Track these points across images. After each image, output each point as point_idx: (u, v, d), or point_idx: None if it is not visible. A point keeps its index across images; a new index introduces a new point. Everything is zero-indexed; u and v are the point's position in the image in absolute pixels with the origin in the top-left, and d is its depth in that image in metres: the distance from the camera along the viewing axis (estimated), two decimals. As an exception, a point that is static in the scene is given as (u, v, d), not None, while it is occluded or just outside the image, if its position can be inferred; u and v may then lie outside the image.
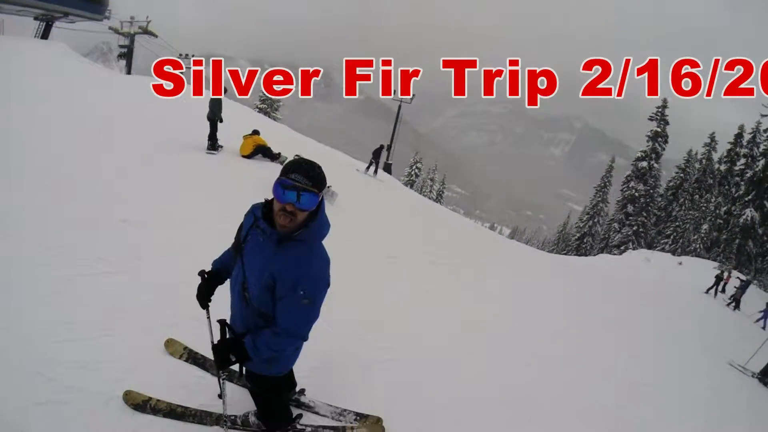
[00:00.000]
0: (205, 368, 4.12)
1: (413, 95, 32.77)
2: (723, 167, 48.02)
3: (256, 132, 13.38)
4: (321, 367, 4.38)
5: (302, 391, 4.13)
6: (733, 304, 23.43)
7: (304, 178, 2.42)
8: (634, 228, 48.95)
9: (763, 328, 21.40)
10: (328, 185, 11.44)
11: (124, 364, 3.83)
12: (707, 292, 25.11)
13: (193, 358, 4.19)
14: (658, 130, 48.28)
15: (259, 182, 11.01)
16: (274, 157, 13.36)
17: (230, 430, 3.53)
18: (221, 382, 3.17)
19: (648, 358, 9.04)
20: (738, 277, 26.10)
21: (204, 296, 3.08)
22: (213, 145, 12.58)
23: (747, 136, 46.13)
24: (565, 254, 51.67)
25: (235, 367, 2.88)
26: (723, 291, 25.63)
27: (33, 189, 6.45)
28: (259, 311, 2.72)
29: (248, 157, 12.94)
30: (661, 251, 43.78)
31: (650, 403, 6.74)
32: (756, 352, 11.69)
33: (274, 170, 11.78)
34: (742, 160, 45.10)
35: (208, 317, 3.15)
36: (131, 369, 3.81)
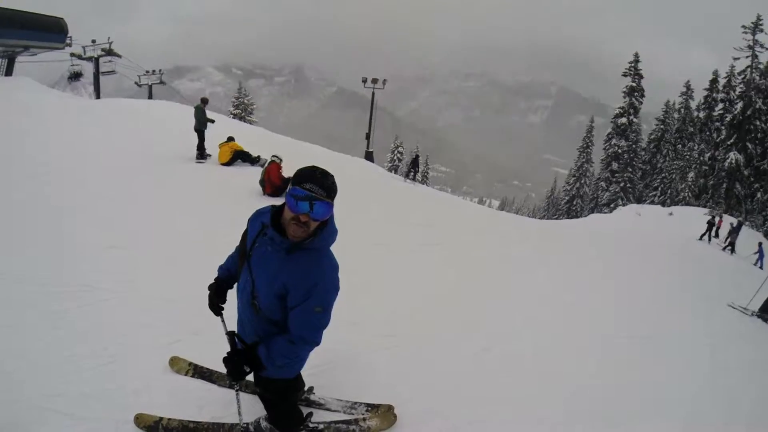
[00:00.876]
0: (212, 381, 4.07)
1: (385, 80, 32.63)
2: (702, 114, 48.42)
3: (231, 138, 13.30)
4: (323, 363, 4.35)
5: (311, 389, 4.12)
6: (729, 247, 23.69)
7: (318, 188, 2.37)
8: (622, 184, 49.24)
9: (761, 267, 21.68)
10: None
11: (130, 388, 3.81)
12: (701, 238, 25.34)
13: (199, 372, 4.14)
14: (633, 84, 48.48)
15: (242, 189, 10.97)
16: (254, 160, 13.29)
17: None
18: (237, 395, 3.12)
19: (648, 309, 9.02)
20: (731, 223, 26.31)
21: (216, 305, 3.11)
22: (201, 154, 13.15)
23: (722, 81, 46.45)
24: (556, 218, 51.92)
25: (250, 377, 2.84)
26: (716, 236, 25.86)
27: (19, 226, 6.41)
28: (270, 319, 2.72)
29: (227, 164, 12.88)
30: (651, 204, 44.13)
31: (653, 355, 6.73)
32: (757, 291, 11.70)
33: (255, 174, 11.77)
34: (720, 105, 45.44)
35: (223, 321, 3.16)
36: (138, 392, 3.79)
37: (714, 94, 47.27)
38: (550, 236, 16.39)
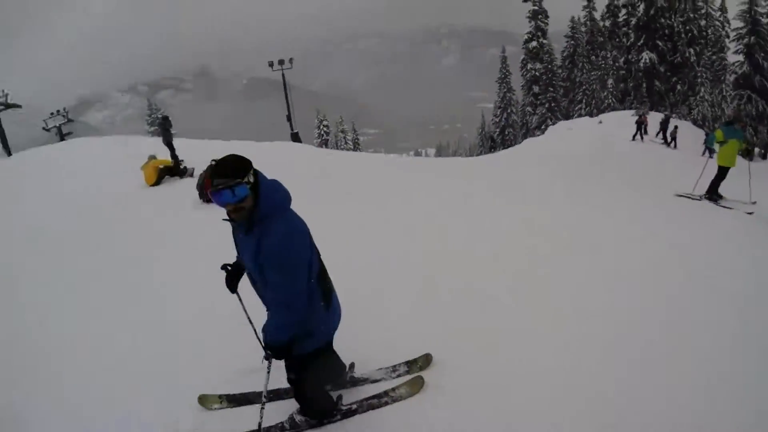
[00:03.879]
0: (249, 401, 4.07)
1: (291, 58, 32.24)
2: (608, 23, 49.51)
3: (152, 157, 12.84)
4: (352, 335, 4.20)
5: (352, 367, 4.22)
6: (667, 141, 24.94)
7: (220, 179, 2.68)
8: (547, 105, 50.11)
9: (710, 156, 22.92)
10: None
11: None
12: (633, 139, 26.27)
13: (231, 401, 4.14)
14: (536, 8, 49.02)
15: (178, 201, 10.67)
16: (182, 173, 12.98)
17: None
18: (267, 374, 3.26)
19: (600, 215, 9.27)
20: (660, 121, 27.35)
21: (232, 283, 3.39)
22: (177, 164, 13.49)
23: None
24: (493, 152, 52.68)
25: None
26: (646, 133, 26.82)
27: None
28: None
29: (156, 184, 12.46)
30: (579, 117, 45.12)
31: (615, 258, 6.80)
32: (700, 177, 11.96)
33: (188, 185, 11.41)
34: (623, 11, 46.48)
35: (240, 300, 3.51)
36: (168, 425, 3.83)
37: (615, 1, 48.28)
38: (488, 171, 16.55)
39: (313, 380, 3.46)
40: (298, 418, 3.63)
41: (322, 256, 3.27)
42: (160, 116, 14.76)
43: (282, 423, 3.67)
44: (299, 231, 2.97)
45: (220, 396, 4.16)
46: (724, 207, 10.93)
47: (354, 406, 3.82)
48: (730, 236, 8.18)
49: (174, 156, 13.73)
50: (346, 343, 3.84)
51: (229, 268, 3.38)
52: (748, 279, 5.99)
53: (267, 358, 3.10)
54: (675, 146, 25.28)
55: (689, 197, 11.66)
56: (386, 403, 3.90)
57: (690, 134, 27.26)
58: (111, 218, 9.84)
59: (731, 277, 6.07)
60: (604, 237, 7.69)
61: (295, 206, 3.05)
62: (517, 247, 7.23)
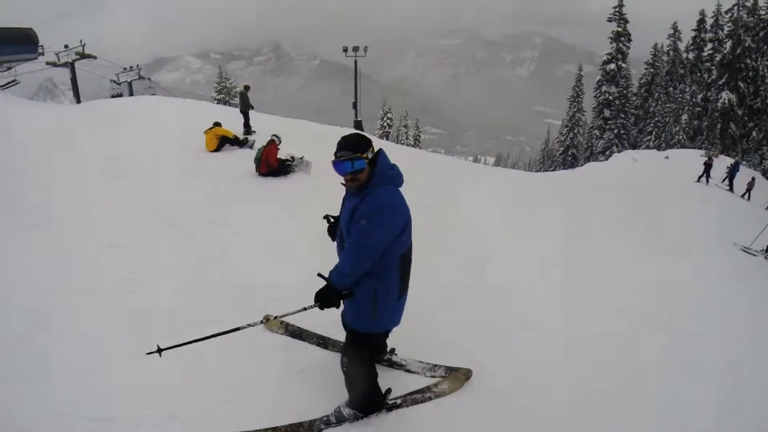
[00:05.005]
0: (302, 338, 4.63)
1: (366, 47, 32.11)
2: (691, 55, 48.13)
3: (217, 124, 13.04)
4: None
5: (393, 351, 4.35)
6: (745, 193, 24.15)
7: (342, 150, 3.14)
8: (615, 131, 48.98)
9: (748, 199, 22.24)
10: (300, 156, 11.36)
11: (145, 384, 3.87)
12: (698, 180, 25.36)
13: (290, 332, 4.71)
14: (619, 29, 47.92)
15: (235, 171, 10.83)
16: (242, 143, 13.14)
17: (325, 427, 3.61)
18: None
19: (655, 254, 9.07)
20: (727, 165, 26.49)
21: (333, 231, 3.69)
22: (248, 131, 15.03)
23: (709, 21, 46.07)
24: (552, 170, 51.81)
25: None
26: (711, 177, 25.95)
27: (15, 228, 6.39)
28: None
29: (215, 150, 12.64)
30: (646, 149, 43.97)
31: (667, 299, 6.79)
32: (761, 233, 11.69)
33: (246, 156, 11.60)
34: (709, 45, 45.15)
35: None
36: (155, 388, 3.85)
37: (702, 35, 46.97)
38: (551, 188, 16.34)
39: (362, 368, 3.51)
40: (346, 411, 3.63)
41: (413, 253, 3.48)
42: (243, 86, 16.07)
43: (327, 416, 3.66)
44: (399, 203, 3.25)
45: (282, 322, 4.66)
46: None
47: (399, 401, 3.87)
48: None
49: (247, 124, 15.24)
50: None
51: (332, 219, 3.73)
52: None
53: (315, 305, 3.24)
54: (749, 198, 24.37)
55: (747, 251, 11.24)
56: (429, 398, 3.95)
57: (759, 186, 26.11)
58: (159, 177, 9.98)
59: None
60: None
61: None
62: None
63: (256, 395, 3.88)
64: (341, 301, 3.24)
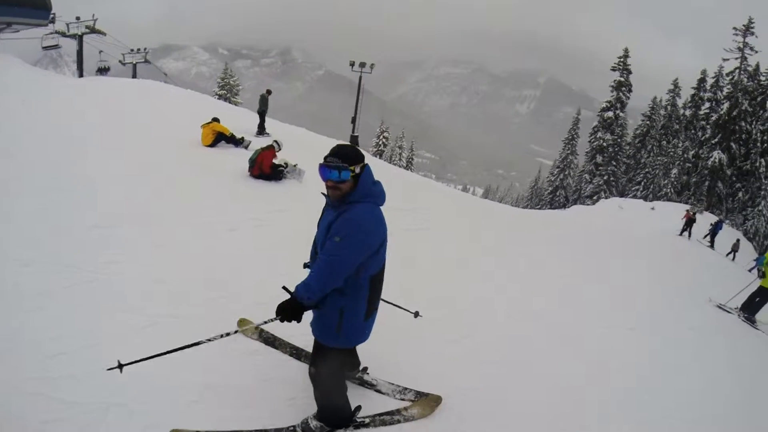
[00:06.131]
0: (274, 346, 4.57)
1: (373, 64, 32.45)
2: (688, 112, 49.11)
3: (215, 119, 12.96)
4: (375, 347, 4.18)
5: (365, 369, 4.30)
6: (729, 253, 24.54)
7: (333, 158, 3.08)
8: (605, 177, 49.55)
9: (733, 259, 22.62)
10: (294, 163, 11.39)
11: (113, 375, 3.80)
12: (681, 234, 25.70)
13: (264, 338, 4.65)
14: (622, 79, 48.75)
15: (227, 170, 10.79)
16: (237, 142, 13.12)
17: None
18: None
19: (630, 302, 9.15)
20: (711, 223, 26.96)
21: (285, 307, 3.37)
22: (261, 132, 15.88)
23: (710, 80, 46.98)
24: (539, 209, 52.17)
25: None
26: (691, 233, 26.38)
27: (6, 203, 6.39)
28: None
29: (211, 146, 12.59)
30: (633, 198, 44.47)
31: (637, 346, 6.88)
32: (740, 291, 11.77)
33: (240, 155, 11.60)
34: (707, 104, 46.04)
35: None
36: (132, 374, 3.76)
37: (701, 93, 47.88)
38: (536, 225, 16.47)
39: (331, 381, 3.51)
40: (313, 423, 3.58)
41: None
42: (266, 89, 17.29)
43: (294, 427, 3.61)
44: (376, 222, 3.20)
45: (256, 328, 4.59)
46: (756, 329, 10.54)
47: (367, 420, 3.83)
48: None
49: (261, 126, 16.26)
50: (369, 346, 3.73)
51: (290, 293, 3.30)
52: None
53: (277, 318, 3.17)
54: (734, 258, 24.71)
55: (722, 308, 11.34)
56: (398, 422, 3.92)
57: (742, 248, 26.52)
58: (152, 163, 9.94)
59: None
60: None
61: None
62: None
63: (224, 398, 3.83)
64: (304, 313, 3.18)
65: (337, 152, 3.13)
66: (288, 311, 3.10)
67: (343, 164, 3.08)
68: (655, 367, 6.28)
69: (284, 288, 3.20)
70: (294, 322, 3.14)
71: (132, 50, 34.85)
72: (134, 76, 32.23)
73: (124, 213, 7.05)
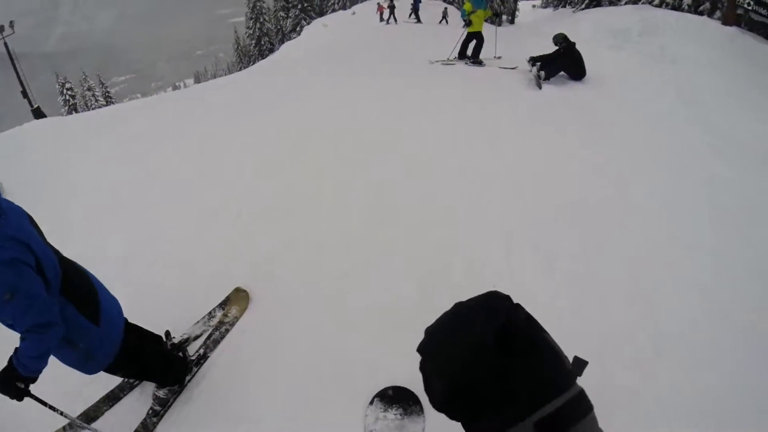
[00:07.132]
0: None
1: (12, 21, 27.43)
2: None
3: None
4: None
5: (168, 334, 3.71)
6: (441, 20, 27.04)
7: None
8: (299, 7, 49.95)
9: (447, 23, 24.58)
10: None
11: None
12: (387, 22, 27.64)
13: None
14: None
15: None
16: None
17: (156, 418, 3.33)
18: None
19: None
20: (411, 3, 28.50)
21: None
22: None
23: None
24: (253, 64, 51.08)
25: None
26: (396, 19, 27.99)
27: None
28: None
29: None
30: (333, 12, 45.12)
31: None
32: (456, 45, 12.92)
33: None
34: None
35: None
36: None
37: None
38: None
39: (142, 356, 3.08)
40: (161, 392, 3.36)
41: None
42: None
43: (150, 408, 3.35)
44: (14, 242, 2.24)
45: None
46: (480, 66, 12.05)
47: (201, 350, 3.69)
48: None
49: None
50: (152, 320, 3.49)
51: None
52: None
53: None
54: (447, 23, 26.65)
55: (447, 63, 12.59)
56: (227, 331, 3.85)
57: (452, 14, 28.53)
58: None
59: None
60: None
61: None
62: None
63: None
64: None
65: None
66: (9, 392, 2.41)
67: None
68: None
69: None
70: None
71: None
72: None
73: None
